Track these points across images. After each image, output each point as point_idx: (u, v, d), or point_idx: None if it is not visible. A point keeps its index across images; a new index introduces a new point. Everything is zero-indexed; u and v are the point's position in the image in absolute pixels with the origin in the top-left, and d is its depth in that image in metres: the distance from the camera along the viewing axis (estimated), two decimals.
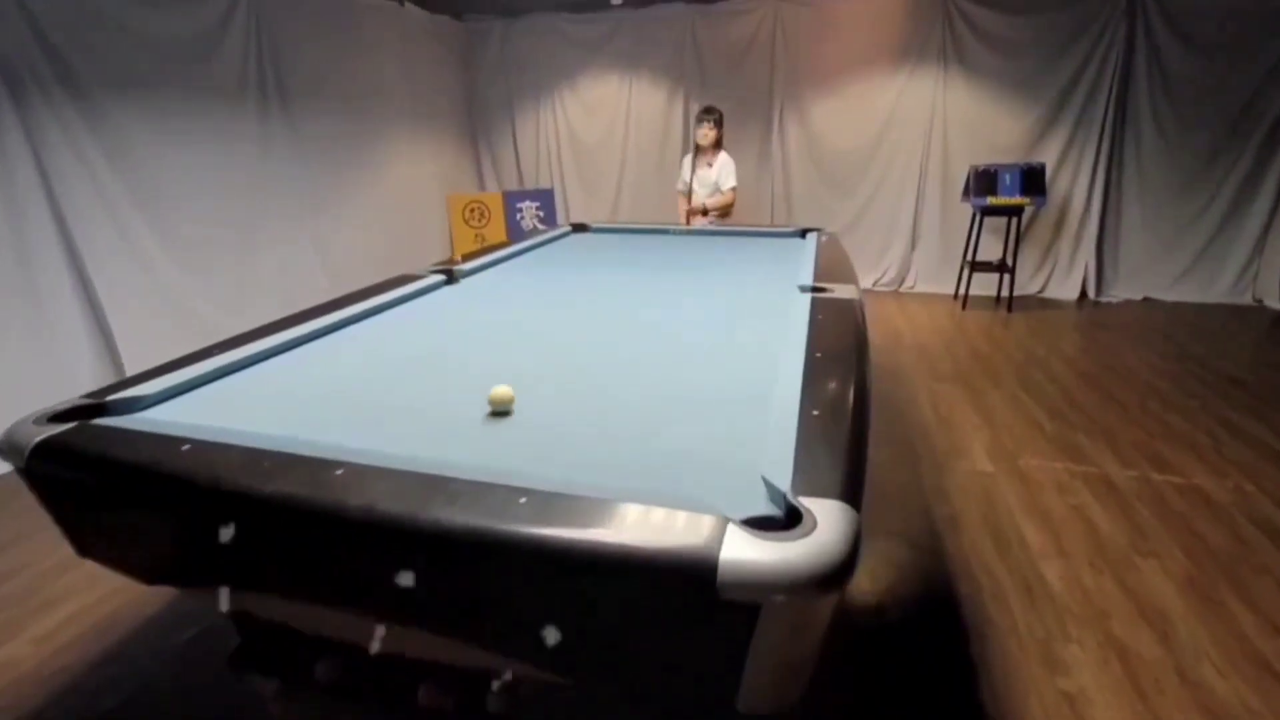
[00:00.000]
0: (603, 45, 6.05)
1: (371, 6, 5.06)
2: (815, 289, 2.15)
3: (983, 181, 4.84)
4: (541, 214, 6.56)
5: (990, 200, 4.82)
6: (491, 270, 2.74)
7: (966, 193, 5.03)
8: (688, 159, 3.96)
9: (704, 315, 2.04)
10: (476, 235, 6.54)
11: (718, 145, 3.96)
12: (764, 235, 3.52)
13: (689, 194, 3.97)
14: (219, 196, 3.91)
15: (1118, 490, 2.61)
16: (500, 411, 1.19)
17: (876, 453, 2.94)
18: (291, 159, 4.39)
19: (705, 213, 3.98)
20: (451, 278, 2.53)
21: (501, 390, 1.20)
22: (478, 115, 6.63)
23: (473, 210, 6.49)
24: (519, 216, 6.56)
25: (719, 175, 3.96)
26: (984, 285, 5.29)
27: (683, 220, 4.03)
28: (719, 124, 3.90)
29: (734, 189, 4.01)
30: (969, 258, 5.18)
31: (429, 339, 1.78)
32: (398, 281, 2.31)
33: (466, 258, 2.80)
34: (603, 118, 6.27)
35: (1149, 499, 2.55)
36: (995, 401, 3.43)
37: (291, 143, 4.39)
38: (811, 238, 3.25)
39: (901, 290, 5.78)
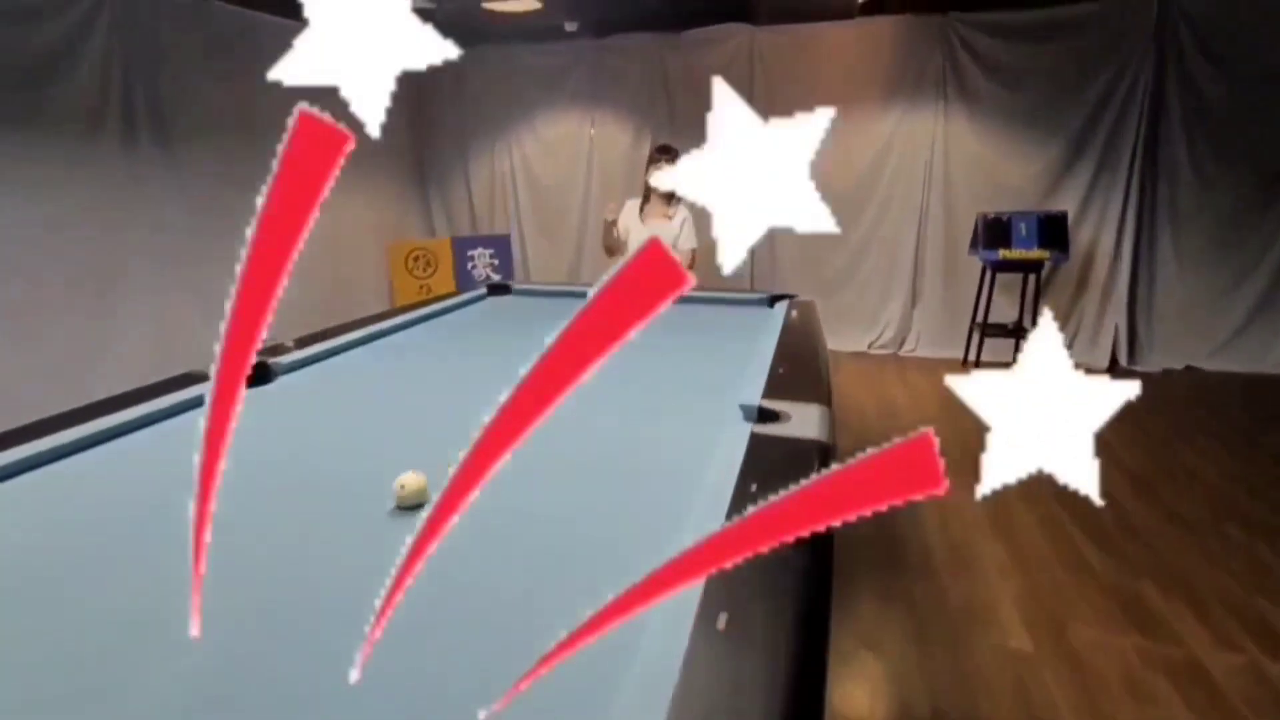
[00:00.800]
0: (563, 78, 5.44)
1: (285, 29, 4.42)
2: (763, 414, 1.38)
3: (993, 232, 4.11)
4: (496, 262, 5.87)
5: (1003, 254, 4.08)
6: (336, 359, 1.97)
7: (975, 244, 4.29)
8: (630, 205, 3.22)
9: (586, 464, 1.27)
10: (421, 286, 5.83)
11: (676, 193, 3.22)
12: (722, 303, 2.76)
13: (624, 247, 3.21)
14: (61, 248, 3.20)
15: (1218, 691, 1.78)
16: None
17: (860, 608, 2.11)
18: (166, 200, 3.69)
19: None
20: (265, 375, 1.77)
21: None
22: (427, 154, 5.99)
23: (417, 259, 5.80)
24: (470, 265, 5.87)
25: (681, 232, 3.20)
26: (997, 350, 4.51)
27: None
28: None
29: (696, 251, 3.28)
30: (979, 319, 4.42)
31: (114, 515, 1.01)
32: (168, 386, 1.56)
33: (301, 342, 2.04)
34: (563, 157, 5.62)
35: (1269, 708, 1.71)
36: (1024, 520, 2.61)
37: (168, 181, 3.69)
38: (780, 310, 2.50)
39: (901, 354, 5.00)
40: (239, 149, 4.07)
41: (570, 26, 4.72)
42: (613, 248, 3.22)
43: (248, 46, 4.18)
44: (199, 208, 3.86)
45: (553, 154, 5.64)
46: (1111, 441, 3.35)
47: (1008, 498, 2.75)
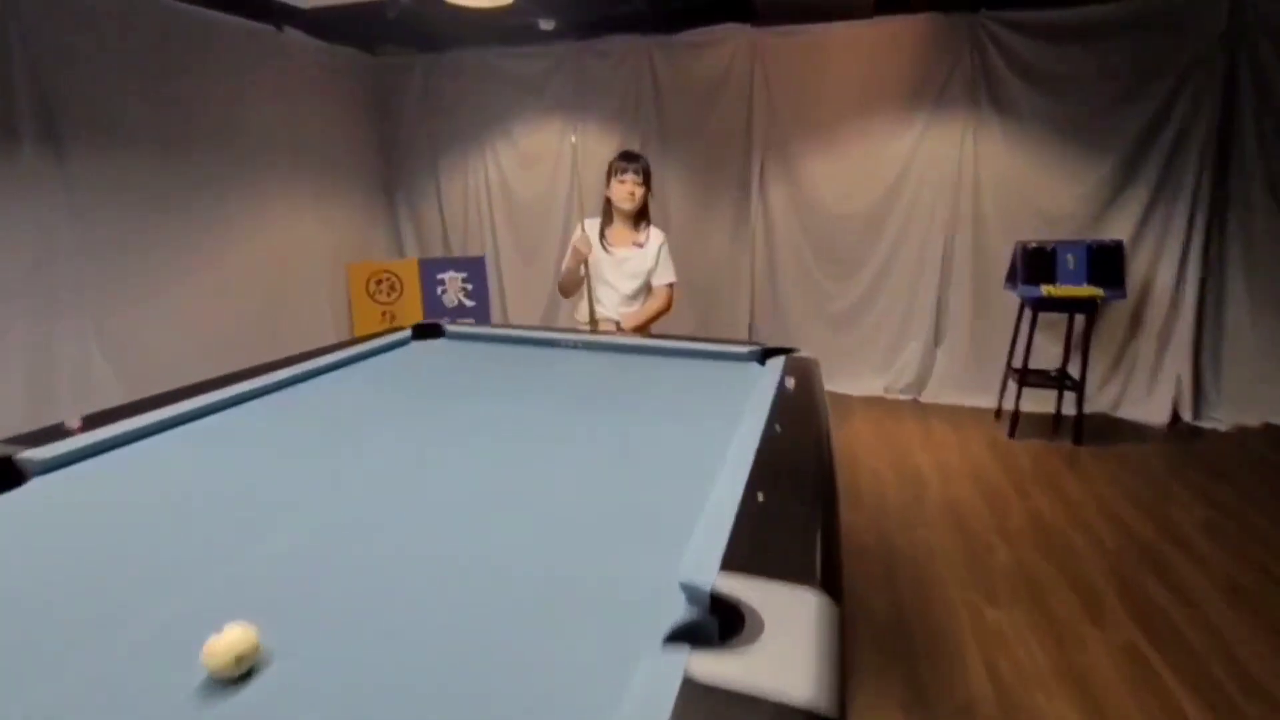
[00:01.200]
0: (542, 85, 4.88)
1: (229, 29, 3.91)
2: (717, 607, 0.76)
3: (1036, 264, 3.47)
4: (469, 287, 5.28)
5: (1046, 290, 3.44)
6: (144, 444, 1.37)
7: (1012, 278, 3.65)
8: (589, 225, 2.57)
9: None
10: (385, 313, 5.25)
11: (644, 213, 2.62)
12: (698, 356, 2.13)
13: (587, 289, 2.59)
14: None
15: None
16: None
17: None
18: (55, 217, 3.12)
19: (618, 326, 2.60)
20: (11, 476, 1.19)
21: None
22: (395, 168, 5.44)
23: (380, 282, 5.22)
24: (440, 290, 5.28)
25: (657, 263, 2.59)
26: (1038, 400, 3.84)
27: (583, 318, 2.65)
28: (647, 180, 2.55)
29: (675, 285, 2.67)
30: (1015, 363, 3.77)
31: None
32: None
33: (83, 422, 1.43)
34: (543, 171, 5.04)
35: None
36: (1100, 664, 1.94)
37: (56, 196, 3.12)
38: (774, 370, 1.87)
39: (922, 399, 4.34)
40: (148, 161, 3.51)
41: (546, 25, 4.16)
42: (569, 286, 2.61)
43: (187, 51, 3.65)
44: (94, 226, 3.29)
45: (531, 167, 5.07)
46: (1188, 529, 2.68)
47: (1071, 617, 2.08)
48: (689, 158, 4.62)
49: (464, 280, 5.24)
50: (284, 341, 4.51)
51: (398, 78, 5.18)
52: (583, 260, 2.51)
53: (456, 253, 5.54)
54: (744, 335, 4.68)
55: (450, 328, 2.48)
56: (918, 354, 4.32)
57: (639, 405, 1.69)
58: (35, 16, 2.99)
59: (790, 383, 1.73)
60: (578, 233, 2.52)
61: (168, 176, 3.64)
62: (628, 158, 2.49)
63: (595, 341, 2.29)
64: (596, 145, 4.80)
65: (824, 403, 1.64)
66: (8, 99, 2.93)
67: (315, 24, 4.46)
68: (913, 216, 4.22)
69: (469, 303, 5.29)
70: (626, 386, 1.87)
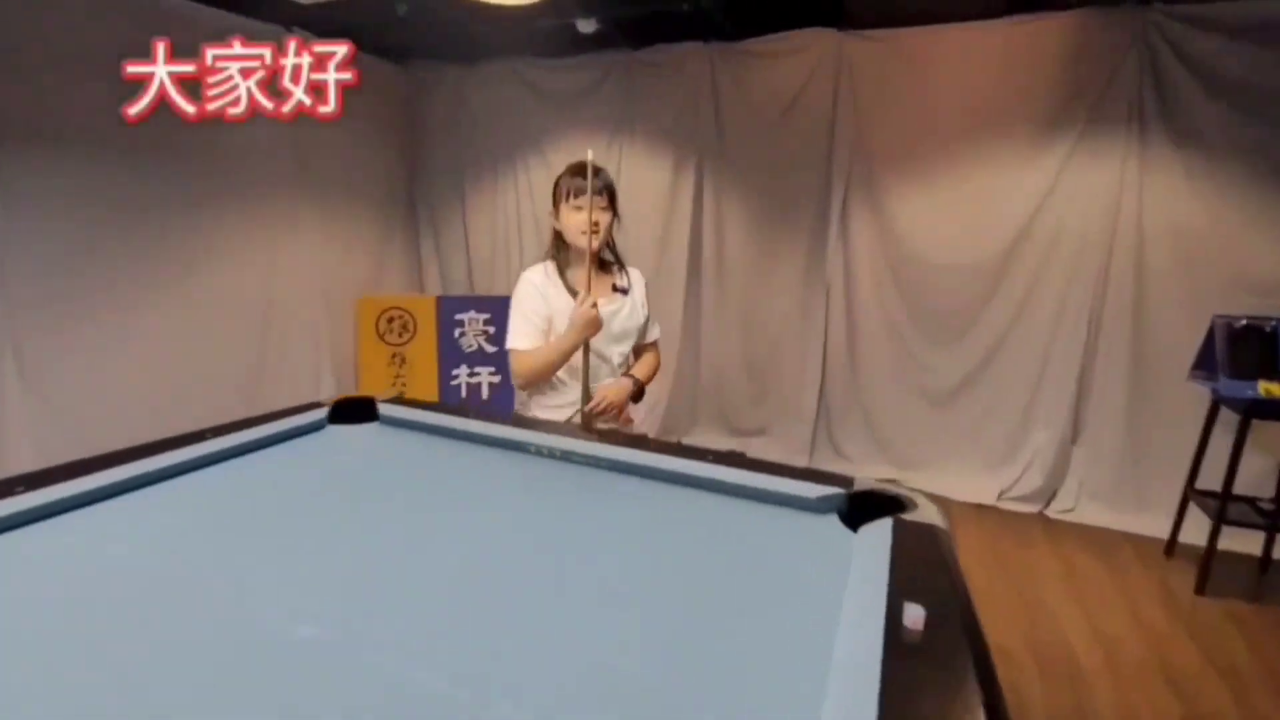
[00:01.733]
0: (584, 100, 4.17)
1: (222, 25, 3.37)
2: None
3: (1248, 349, 2.42)
4: (491, 330, 4.57)
5: (1266, 389, 2.37)
6: None
7: (1205, 366, 2.59)
8: (543, 272, 1.76)
9: None
10: (394, 355, 4.60)
11: (609, 249, 1.82)
12: (747, 497, 1.25)
13: (583, 370, 1.75)
14: None
15: None
16: None
17: None
18: None
19: (601, 411, 1.76)
20: None
21: None
22: (419, 192, 4.84)
23: (391, 320, 4.58)
24: (458, 333, 4.60)
25: (644, 309, 1.84)
26: (1239, 539, 2.71)
27: (585, 408, 1.80)
28: (613, 202, 1.75)
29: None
30: (1201, 483, 2.68)
31: None
32: None
33: None
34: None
35: None
36: None
37: None
38: (876, 550, 0.97)
39: (1051, 513, 3.26)
40: (107, 170, 2.96)
41: (586, 27, 3.45)
42: (544, 376, 1.77)
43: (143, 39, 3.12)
44: (29, 241, 2.73)
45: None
46: None
47: None
48: (753, 189, 3.78)
49: (485, 323, 4.55)
50: (269, 388, 3.89)
51: (425, 91, 4.60)
52: (588, 338, 1.71)
53: (481, 290, 4.86)
54: (809, 412, 3.74)
55: (387, 409, 1.69)
56: (1048, 450, 3.26)
57: (655, 593, 0.83)
58: None
59: (914, 619, 0.80)
60: (531, 276, 1.78)
61: (134, 189, 3.08)
62: (584, 173, 1.67)
63: (573, 443, 1.44)
64: (646, 170, 4.04)
65: (985, 650, 0.74)
66: None
67: (331, 26, 3.92)
68: (1047, 270, 3.21)
69: (490, 348, 4.59)
70: (626, 543, 1.01)
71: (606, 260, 1.81)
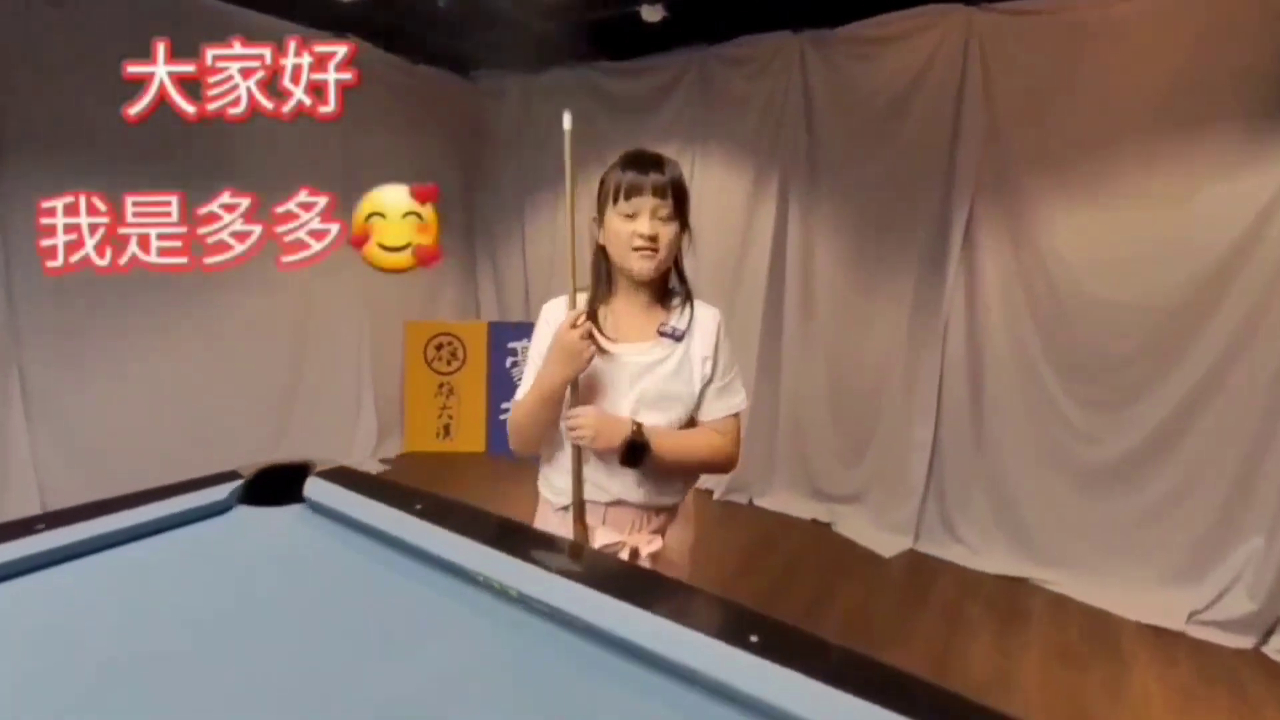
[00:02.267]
0: (656, 106, 3.67)
1: (265, 30, 3.15)
2: None
3: None
4: None
5: None
6: None
7: None
8: (558, 306, 1.24)
9: None
10: (442, 385, 4.25)
11: (679, 274, 1.24)
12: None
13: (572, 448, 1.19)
14: None
15: None
16: None
17: None
18: None
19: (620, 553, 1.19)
20: None
21: None
22: (479, 210, 4.50)
23: (440, 346, 4.25)
24: (510, 363, 4.20)
25: (715, 369, 1.21)
26: None
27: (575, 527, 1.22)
28: (681, 207, 1.17)
29: (739, 416, 1.27)
30: None
31: None
32: None
33: None
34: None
35: None
36: None
37: None
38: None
39: (1270, 652, 2.32)
40: (92, 175, 2.75)
41: (652, 15, 2.95)
42: (535, 434, 1.23)
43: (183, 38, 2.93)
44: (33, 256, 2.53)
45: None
46: None
47: None
48: (849, 206, 3.12)
49: None
50: (301, 421, 3.60)
51: (489, 103, 4.28)
52: (577, 375, 1.14)
53: (535, 315, 4.43)
54: (916, 481, 2.97)
55: (318, 489, 1.19)
56: (1266, 565, 2.33)
57: None
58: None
59: None
60: (551, 312, 1.25)
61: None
62: (641, 164, 1.16)
63: (574, 617, 0.86)
64: (722, 180, 3.47)
65: None
66: None
67: (393, 36, 3.66)
68: (1267, 310, 2.31)
69: None
70: None
71: (672, 290, 1.24)
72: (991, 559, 2.80)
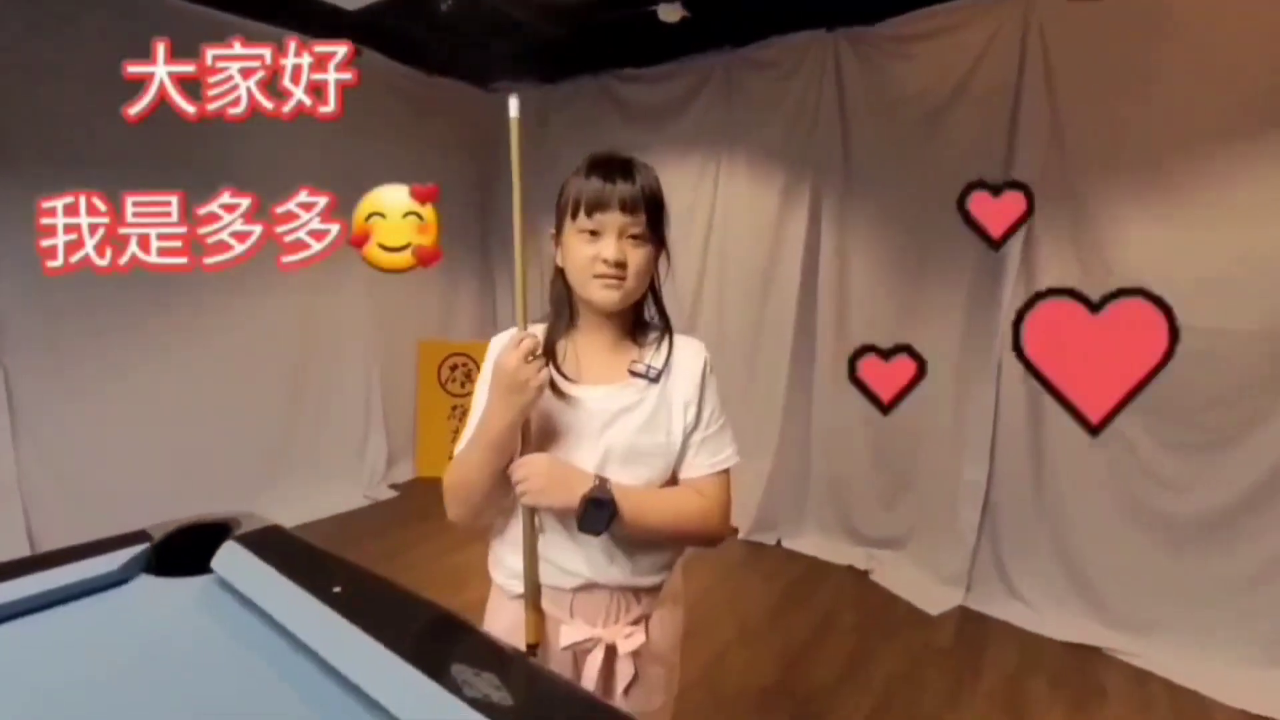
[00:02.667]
0: (678, 114, 3.44)
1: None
2: None
3: None
4: None
5: None
6: None
7: None
8: (502, 338, 0.99)
9: None
10: (455, 408, 4.06)
11: (656, 301, 1.01)
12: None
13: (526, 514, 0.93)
14: None
15: None
16: None
17: None
18: None
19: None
20: None
21: None
22: (496, 225, 4.33)
23: (455, 367, 4.08)
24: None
25: (700, 418, 0.96)
26: None
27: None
28: (655, 223, 0.94)
29: (728, 473, 0.99)
30: None
31: None
32: None
33: None
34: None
35: None
36: None
37: None
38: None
39: None
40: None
41: (670, 15, 2.72)
42: (480, 498, 0.97)
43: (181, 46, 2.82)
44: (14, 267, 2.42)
45: None
46: None
47: None
48: (888, 217, 2.82)
49: None
50: (305, 445, 3.45)
51: (505, 114, 4.10)
52: (525, 414, 0.90)
53: None
54: (968, 528, 2.62)
55: (231, 558, 1.00)
56: None
57: None
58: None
59: None
60: (498, 347, 1.00)
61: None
62: (607, 170, 0.93)
63: None
64: (748, 191, 3.21)
65: None
66: None
67: (410, 49, 3.54)
68: None
69: None
70: None
71: (648, 321, 1.02)
72: (1058, 622, 2.43)
